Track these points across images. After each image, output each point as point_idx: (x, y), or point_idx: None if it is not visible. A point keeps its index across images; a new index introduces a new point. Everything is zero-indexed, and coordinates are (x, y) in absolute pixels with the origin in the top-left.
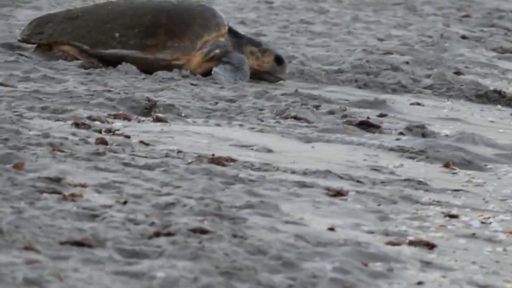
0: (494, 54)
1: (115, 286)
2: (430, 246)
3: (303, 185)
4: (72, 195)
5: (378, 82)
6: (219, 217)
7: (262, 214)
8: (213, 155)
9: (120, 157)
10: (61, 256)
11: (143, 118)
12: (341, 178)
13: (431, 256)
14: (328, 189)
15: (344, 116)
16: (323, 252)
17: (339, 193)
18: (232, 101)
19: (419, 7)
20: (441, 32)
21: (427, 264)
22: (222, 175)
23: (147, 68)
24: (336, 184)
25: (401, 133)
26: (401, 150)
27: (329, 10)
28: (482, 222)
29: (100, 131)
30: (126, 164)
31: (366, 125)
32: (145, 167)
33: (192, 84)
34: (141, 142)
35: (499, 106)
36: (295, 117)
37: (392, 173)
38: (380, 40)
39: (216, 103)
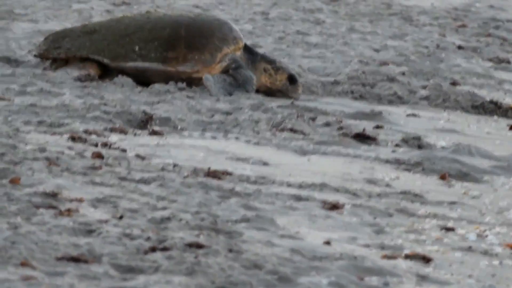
0: (490, 64)
1: None
2: (426, 259)
3: (299, 198)
4: (68, 210)
5: (374, 94)
6: (215, 232)
7: (258, 228)
8: (209, 168)
9: (116, 171)
10: (57, 272)
11: (139, 131)
12: (337, 191)
13: (427, 270)
14: (324, 202)
15: (340, 128)
16: (319, 266)
17: (335, 206)
18: (228, 113)
19: (415, 17)
20: (437, 43)
21: (423, 278)
22: (218, 188)
23: (167, 80)
24: (332, 197)
25: (397, 145)
26: (397, 162)
27: (325, 21)
28: (478, 235)
29: (96, 145)
30: (122, 178)
31: (362, 137)
32: (141, 181)
33: (188, 96)
34: (137, 155)
35: (495, 117)
36: (291, 130)
37: (388, 185)
38: (376, 50)
39: (212, 115)
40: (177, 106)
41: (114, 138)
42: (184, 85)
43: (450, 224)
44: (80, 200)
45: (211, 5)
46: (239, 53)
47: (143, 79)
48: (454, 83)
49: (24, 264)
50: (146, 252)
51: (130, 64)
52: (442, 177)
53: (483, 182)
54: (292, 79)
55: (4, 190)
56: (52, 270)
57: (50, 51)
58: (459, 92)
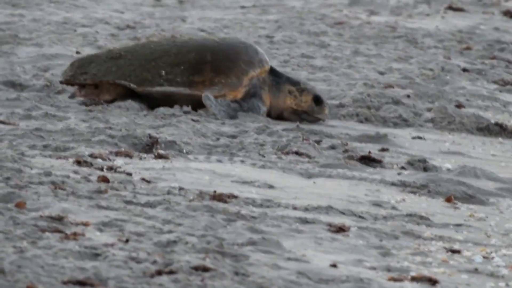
0: (496, 86)
1: None
2: (433, 281)
3: (305, 221)
4: (74, 233)
5: (379, 116)
6: (221, 255)
7: (264, 251)
8: (214, 191)
9: (121, 195)
10: None
11: (145, 155)
12: (343, 213)
13: None
14: (330, 225)
15: (346, 151)
16: None
17: (341, 229)
18: (233, 137)
19: (420, 40)
20: (442, 65)
21: None
22: (224, 212)
23: (193, 104)
24: (338, 220)
25: (402, 168)
26: (403, 185)
27: (329, 44)
28: (484, 257)
29: (101, 169)
30: (128, 202)
31: (367, 160)
32: (147, 204)
33: (193, 120)
34: (143, 179)
35: (500, 139)
36: (296, 153)
37: (394, 208)
38: (381, 73)
39: (218, 139)
40: (183, 130)
41: (119, 162)
42: (189, 108)
43: (456, 246)
44: (86, 224)
45: (216, 29)
46: (265, 76)
47: (170, 104)
48: (459, 106)
49: None
50: (152, 276)
51: (157, 88)
52: (448, 200)
53: (488, 204)
54: (317, 100)
55: (10, 214)
56: None
57: (77, 76)
58: (464, 115)
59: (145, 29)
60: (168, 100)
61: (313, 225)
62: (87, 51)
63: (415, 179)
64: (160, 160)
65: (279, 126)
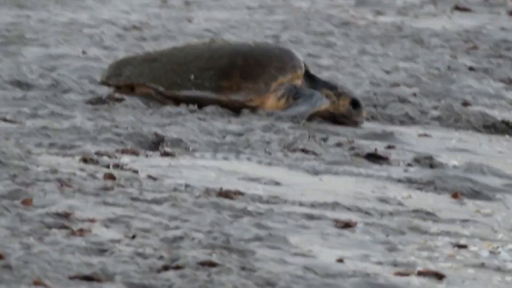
0: (502, 85)
1: None
2: (439, 276)
3: (311, 217)
4: (81, 230)
5: (385, 114)
6: (227, 250)
7: (270, 247)
8: (221, 188)
9: (128, 192)
10: None
11: (151, 153)
12: (349, 210)
13: (440, 286)
14: (336, 221)
15: (352, 148)
16: (332, 284)
17: (347, 225)
18: (239, 134)
19: (426, 40)
20: (448, 64)
21: None
22: (230, 208)
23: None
24: (344, 216)
25: (409, 165)
26: (409, 181)
27: (336, 44)
28: (491, 252)
29: (108, 166)
30: (134, 199)
31: (374, 157)
32: (153, 201)
33: (199, 118)
34: (149, 176)
35: (507, 137)
36: (302, 150)
37: (400, 204)
38: (388, 72)
39: (224, 137)
40: (189, 128)
41: (125, 159)
42: (195, 107)
43: (462, 241)
44: (93, 220)
45: (222, 29)
46: (298, 82)
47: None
48: (465, 104)
49: (37, 283)
50: (159, 271)
51: (184, 92)
52: (454, 196)
53: (495, 200)
54: (355, 104)
55: (17, 211)
56: None
57: (111, 78)
58: (471, 113)
59: (151, 30)
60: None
61: (319, 221)
62: (94, 51)
63: (422, 176)
64: (166, 158)
65: (285, 124)
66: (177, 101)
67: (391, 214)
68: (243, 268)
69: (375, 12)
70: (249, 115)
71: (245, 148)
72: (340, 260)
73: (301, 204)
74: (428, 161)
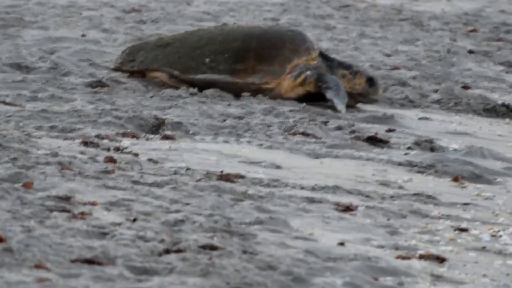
0: (502, 68)
1: None
2: (441, 259)
3: (312, 200)
4: (82, 213)
5: (386, 97)
6: (228, 234)
7: (271, 230)
8: (221, 172)
9: (129, 175)
10: (72, 274)
11: (151, 136)
12: (350, 193)
13: (441, 269)
14: (337, 204)
15: (352, 131)
16: (333, 267)
17: (348, 208)
18: (240, 118)
19: (426, 23)
20: (448, 47)
21: (437, 278)
22: (231, 191)
23: (237, 92)
24: (345, 199)
25: (409, 148)
26: (410, 165)
27: (335, 27)
28: (492, 235)
29: (108, 149)
30: (135, 182)
31: (374, 140)
32: (154, 184)
33: (199, 101)
34: (150, 160)
35: (507, 120)
36: (303, 133)
37: (401, 187)
38: (387, 55)
39: (224, 120)
40: (189, 111)
41: (126, 142)
42: (195, 90)
43: (463, 225)
44: (94, 204)
45: (222, 12)
46: (313, 63)
47: None
48: (465, 87)
49: (38, 266)
50: (160, 254)
51: (199, 76)
52: (455, 179)
53: (495, 184)
54: (371, 81)
55: (17, 194)
56: (67, 272)
57: (125, 64)
58: (471, 96)
59: (150, 12)
60: (211, 88)
61: (320, 204)
62: (93, 34)
63: (422, 159)
64: (166, 141)
65: (285, 107)
66: (192, 85)
67: (392, 197)
68: (244, 252)
69: None
70: (250, 99)
71: (246, 132)
72: (341, 244)
73: (302, 187)
74: (428, 145)
